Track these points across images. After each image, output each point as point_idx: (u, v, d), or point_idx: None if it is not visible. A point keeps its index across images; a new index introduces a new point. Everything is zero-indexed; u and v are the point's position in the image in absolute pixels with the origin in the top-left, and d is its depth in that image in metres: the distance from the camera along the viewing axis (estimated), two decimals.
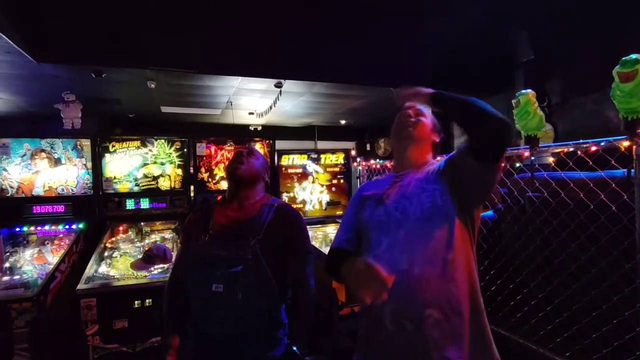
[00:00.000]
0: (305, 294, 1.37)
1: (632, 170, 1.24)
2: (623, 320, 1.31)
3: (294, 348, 1.34)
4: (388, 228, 1.13)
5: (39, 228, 2.98)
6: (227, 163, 1.49)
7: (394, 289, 1.03)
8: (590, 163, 1.40)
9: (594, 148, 1.36)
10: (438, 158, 1.30)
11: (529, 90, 1.56)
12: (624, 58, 1.16)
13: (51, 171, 3.06)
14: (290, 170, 3.65)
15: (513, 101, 1.60)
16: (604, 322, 1.36)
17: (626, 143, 1.23)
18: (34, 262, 2.65)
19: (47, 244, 2.88)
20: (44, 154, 3.04)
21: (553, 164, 1.70)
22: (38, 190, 3.04)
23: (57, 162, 3.08)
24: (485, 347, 1.06)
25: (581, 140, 1.40)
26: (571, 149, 1.45)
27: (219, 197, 1.51)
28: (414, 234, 1.08)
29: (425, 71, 3.23)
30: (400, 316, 1.04)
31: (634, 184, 1.23)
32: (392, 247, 1.09)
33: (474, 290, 1.07)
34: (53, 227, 3.01)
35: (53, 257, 2.69)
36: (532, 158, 1.61)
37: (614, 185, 1.31)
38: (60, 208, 3.09)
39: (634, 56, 1.14)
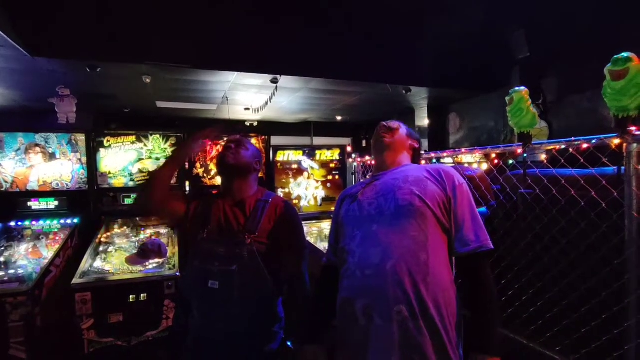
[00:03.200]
0: (301, 290, 1.38)
1: (622, 168, 1.25)
2: (612, 316, 1.33)
3: (289, 343, 1.35)
4: (361, 222, 1.15)
5: (33, 223, 2.98)
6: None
7: (366, 282, 1.06)
8: (582, 160, 1.42)
9: (585, 145, 1.38)
10: (423, 162, 1.34)
11: (523, 88, 1.57)
12: (615, 56, 1.17)
13: (46, 166, 3.05)
14: (285, 166, 3.65)
15: (507, 98, 1.61)
16: (594, 317, 1.38)
17: (617, 141, 1.25)
18: (29, 256, 2.65)
19: (42, 238, 2.87)
20: (38, 149, 3.02)
21: (546, 161, 1.71)
22: (33, 185, 3.03)
23: (51, 156, 3.06)
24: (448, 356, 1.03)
25: (573, 138, 1.41)
26: (563, 147, 1.46)
27: (215, 192, 1.51)
28: (387, 229, 1.08)
29: (422, 68, 3.23)
30: (371, 310, 1.04)
31: (624, 181, 1.25)
32: (365, 240, 1.11)
33: (447, 299, 1.05)
34: (48, 222, 3.00)
35: (48, 251, 2.69)
36: (525, 155, 1.62)
37: (604, 182, 1.32)
38: (55, 203, 3.08)
39: (625, 54, 1.15)
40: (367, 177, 1.40)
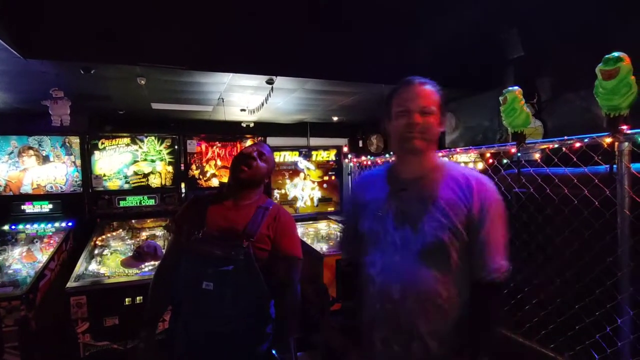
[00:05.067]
0: (290, 299, 1.37)
1: (615, 166, 1.27)
2: (606, 313, 1.34)
3: (273, 352, 1.34)
4: (384, 248, 1.07)
5: (27, 226, 2.95)
6: (237, 155, 1.49)
7: (386, 315, 1.04)
8: (575, 159, 1.43)
9: (578, 144, 1.39)
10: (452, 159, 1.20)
11: (516, 88, 1.59)
12: (606, 56, 1.18)
13: (39, 169, 3.02)
14: (282, 167, 3.65)
15: (500, 98, 1.63)
16: (587, 314, 1.39)
17: (609, 139, 1.26)
18: (23, 260, 2.62)
19: (36, 242, 2.85)
20: (31, 152, 3.00)
21: (539, 160, 1.73)
22: (26, 188, 3.00)
23: (45, 159, 3.04)
24: None
25: (566, 137, 1.42)
26: (556, 146, 1.47)
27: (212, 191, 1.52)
28: (410, 264, 1.02)
29: (417, 68, 3.24)
30: (390, 341, 1.05)
31: (616, 179, 1.26)
32: (385, 270, 1.06)
33: (464, 334, 1.03)
34: (42, 226, 2.98)
35: (42, 255, 2.67)
36: (519, 154, 1.64)
37: (597, 180, 1.34)
38: (49, 206, 3.05)
39: (616, 54, 1.16)
40: (385, 166, 1.22)
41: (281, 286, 1.36)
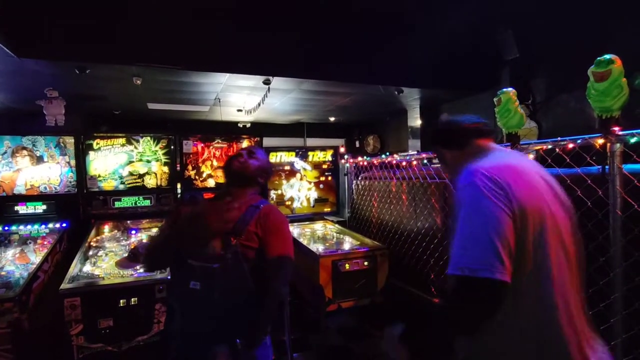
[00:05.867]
0: (271, 298, 1.34)
1: (607, 167, 1.28)
2: (598, 312, 1.35)
3: (237, 341, 1.29)
4: None
5: (21, 227, 2.93)
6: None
7: None
8: (568, 160, 1.44)
9: (571, 145, 1.40)
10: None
11: (510, 89, 1.60)
12: (598, 58, 1.19)
13: (33, 169, 3.00)
14: (278, 168, 3.64)
15: (495, 99, 1.64)
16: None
17: (601, 141, 1.27)
18: (16, 262, 2.60)
19: (30, 243, 2.82)
20: (25, 152, 2.97)
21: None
22: (20, 189, 2.98)
23: (39, 160, 3.02)
24: None
25: (559, 138, 1.44)
26: (549, 147, 1.48)
27: (208, 195, 1.52)
28: None
29: (413, 69, 3.26)
30: None
31: (608, 180, 1.27)
32: None
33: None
34: (36, 227, 2.95)
35: (36, 256, 2.65)
36: None
37: (589, 181, 1.35)
38: (43, 207, 3.03)
39: (607, 56, 1.18)
40: None
41: (267, 285, 1.34)
